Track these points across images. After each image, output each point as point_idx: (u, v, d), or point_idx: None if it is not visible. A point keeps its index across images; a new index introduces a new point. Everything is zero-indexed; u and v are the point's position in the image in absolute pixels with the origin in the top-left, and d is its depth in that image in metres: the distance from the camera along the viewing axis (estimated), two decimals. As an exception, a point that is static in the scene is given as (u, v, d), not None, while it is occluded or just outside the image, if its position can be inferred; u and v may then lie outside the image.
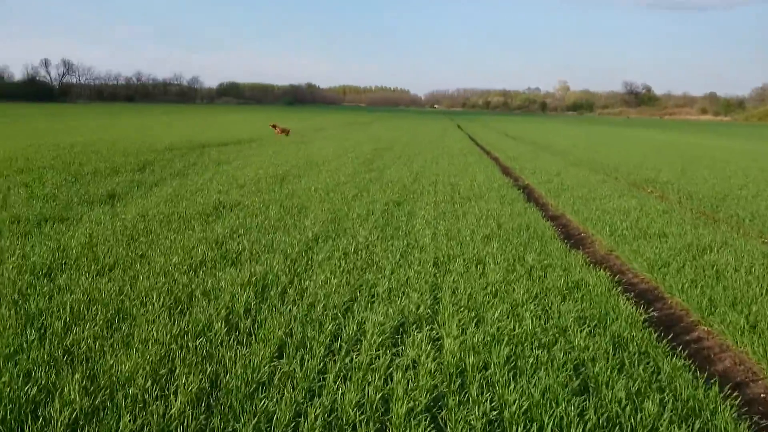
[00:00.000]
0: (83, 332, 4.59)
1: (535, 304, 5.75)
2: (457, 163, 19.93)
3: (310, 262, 6.92)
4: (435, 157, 21.68)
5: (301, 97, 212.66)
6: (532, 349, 4.70)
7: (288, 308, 5.38)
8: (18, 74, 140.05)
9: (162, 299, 5.37)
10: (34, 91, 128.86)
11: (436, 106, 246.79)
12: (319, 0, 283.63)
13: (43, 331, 4.64)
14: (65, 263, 6.40)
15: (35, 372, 3.92)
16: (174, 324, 4.87)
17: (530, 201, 12.85)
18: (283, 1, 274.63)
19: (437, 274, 6.64)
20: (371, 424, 3.64)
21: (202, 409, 3.66)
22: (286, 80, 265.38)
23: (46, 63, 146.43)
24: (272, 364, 4.27)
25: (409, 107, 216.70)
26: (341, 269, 6.62)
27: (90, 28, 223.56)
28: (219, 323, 4.91)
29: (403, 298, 5.74)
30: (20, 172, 12.42)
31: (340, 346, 4.64)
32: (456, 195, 12.65)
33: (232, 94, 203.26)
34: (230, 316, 5.15)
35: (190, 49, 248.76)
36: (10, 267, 6.05)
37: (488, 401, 3.88)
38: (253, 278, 6.08)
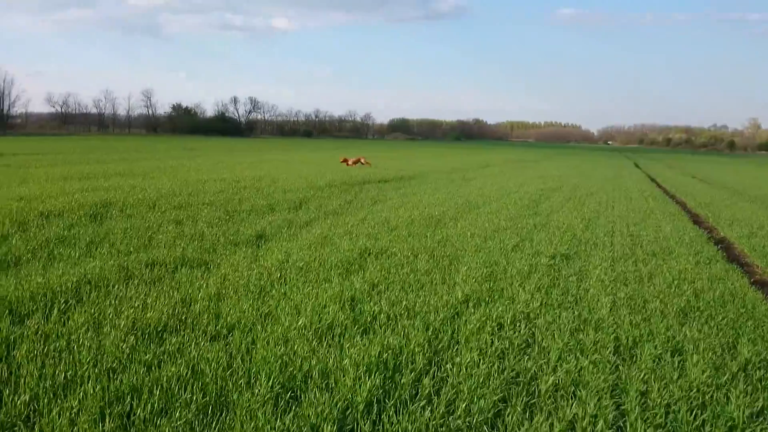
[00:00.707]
0: (166, 427, 3.74)
1: (762, 429, 4.08)
2: (637, 207, 17.74)
3: (455, 335, 5.70)
4: (610, 200, 19.59)
5: (468, 133, 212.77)
6: None
7: (419, 408, 4.19)
8: (210, 110, 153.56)
9: (272, 380, 4.42)
10: (224, 126, 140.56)
11: (609, 142, 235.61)
12: (486, 36, 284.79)
13: (123, 419, 3.85)
14: (183, 320, 5.73)
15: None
16: (277, 420, 3.88)
17: (731, 260, 10.67)
18: (451, 39, 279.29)
19: (619, 366, 5.12)
20: None
21: None
22: (454, 116, 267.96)
23: (234, 100, 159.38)
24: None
25: (580, 143, 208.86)
26: (493, 348, 5.33)
27: (275, 68, 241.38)
28: (329, 427, 3.84)
29: (574, 404, 4.33)
30: (179, 207, 12.48)
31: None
32: (637, 249, 10.82)
33: (402, 130, 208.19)
34: (346, 415, 4.07)
35: (365, 87, 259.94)
36: (122, 324, 5.45)
37: None
38: (384, 356, 4.97)
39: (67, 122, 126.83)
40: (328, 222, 12.29)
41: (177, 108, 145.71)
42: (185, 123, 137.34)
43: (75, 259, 7.77)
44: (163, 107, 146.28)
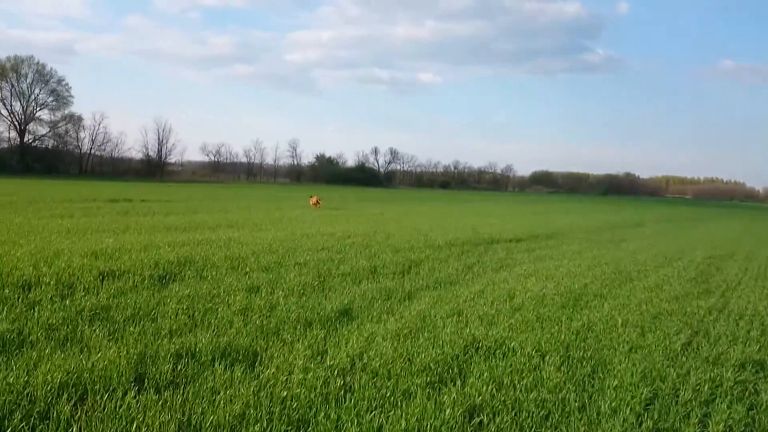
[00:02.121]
0: None
1: None
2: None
3: None
4: (804, 276, 15.65)
5: (617, 187, 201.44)
6: None
7: None
8: (351, 160, 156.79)
9: None
10: (363, 175, 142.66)
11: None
12: (640, 87, 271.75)
13: None
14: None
15: None
16: None
17: None
18: (601, 90, 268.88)
19: None
20: None
21: None
22: (602, 169, 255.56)
23: (375, 151, 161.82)
24: None
25: (744, 201, 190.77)
26: None
27: (417, 120, 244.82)
28: None
29: None
30: (266, 268, 10.71)
31: None
32: None
33: (544, 183, 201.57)
34: None
35: (506, 139, 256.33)
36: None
37: None
38: None
39: (219, 170, 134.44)
40: (435, 294, 9.97)
41: (320, 158, 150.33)
42: (326, 172, 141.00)
43: (92, 343, 6.01)
44: (307, 157, 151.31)
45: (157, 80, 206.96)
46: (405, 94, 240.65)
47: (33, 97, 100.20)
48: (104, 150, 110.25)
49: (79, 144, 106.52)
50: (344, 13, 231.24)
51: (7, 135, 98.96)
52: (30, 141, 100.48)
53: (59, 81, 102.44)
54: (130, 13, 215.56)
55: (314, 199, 35.75)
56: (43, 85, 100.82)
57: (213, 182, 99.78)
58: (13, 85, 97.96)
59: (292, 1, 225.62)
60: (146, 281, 8.59)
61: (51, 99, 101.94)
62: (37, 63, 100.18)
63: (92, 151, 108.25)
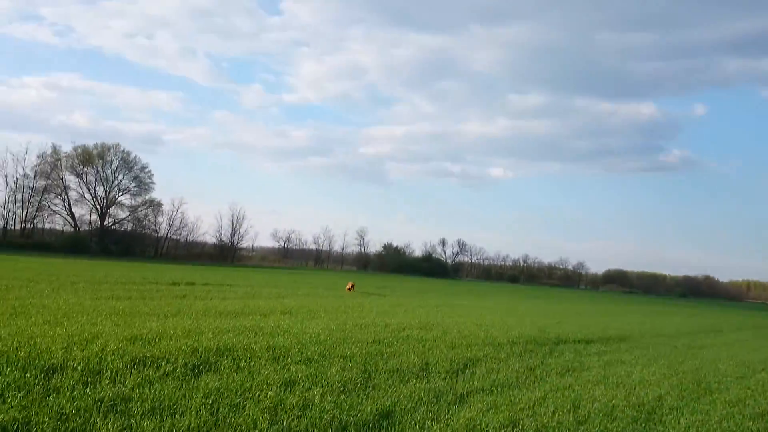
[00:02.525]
0: None
1: None
2: None
3: None
4: None
5: (696, 290, 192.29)
6: None
7: None
8: (418, 251, 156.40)
9: None
10: (429, 266, 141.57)
11: None
12: (719, 189, 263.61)
13: None
14: None
15: None
16: None
17: None
18: (678, 191, 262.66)
19: None
20: None
21: None
22: (679, 270, 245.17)
23: (443, 242, 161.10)
24: None
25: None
26: None
27: (486, 213, 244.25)
28: None
29: None
30: (307, 360, 10.07)
31: None
32: None
33: (618, 282, 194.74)
34: None
35: (578, 236, 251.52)
36: None
37: None
38: None
39: (288, 256, 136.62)
40: (490, 399, 9.06)
41: (387, 247, 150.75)
42: (393, 261, 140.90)
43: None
44: (374, 246, 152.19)
45: (236, 170, 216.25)
46: (475, 188, 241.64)
47: (116, 182, 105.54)
48: (180, 234, 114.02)
49: (157, 228, 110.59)
50: (419, 110, 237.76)
51: (89, 218, 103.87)
52: (110, 224, 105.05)
53: (142, 168, 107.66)
54: (217, 109, 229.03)
55: (350, 285, 37.33)
56: (126, 172, 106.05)
57: (281, 267, 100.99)
58: (98, 171, 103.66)
59: (370, 99, 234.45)
60: (178, 370, 8.11)
61: (133, 185, 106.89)
62: (123, 151, 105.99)
63: (168, 235, 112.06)
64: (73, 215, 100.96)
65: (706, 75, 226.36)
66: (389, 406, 7.87)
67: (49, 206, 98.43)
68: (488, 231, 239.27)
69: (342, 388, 8.51)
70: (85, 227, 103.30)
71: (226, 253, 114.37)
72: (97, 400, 6.33)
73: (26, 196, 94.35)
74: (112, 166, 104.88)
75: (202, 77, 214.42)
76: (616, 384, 11.62)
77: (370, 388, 8.78)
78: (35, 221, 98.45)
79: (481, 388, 9.82)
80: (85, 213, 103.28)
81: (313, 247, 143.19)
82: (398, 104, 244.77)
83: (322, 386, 8.41)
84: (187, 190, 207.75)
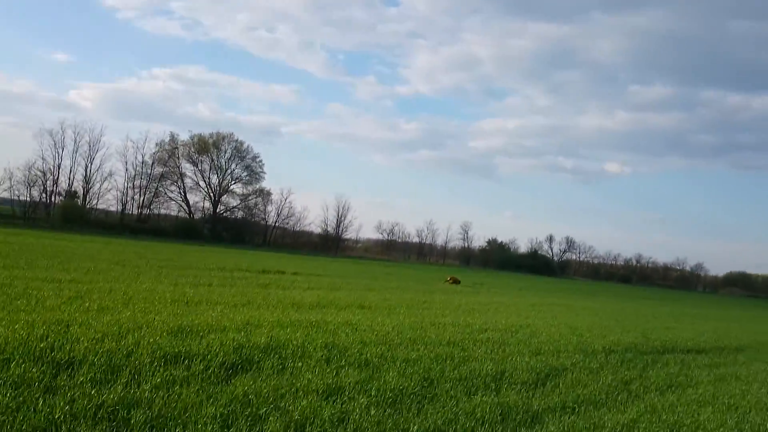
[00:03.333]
0: None
1: None
2: None
3: None
4: None
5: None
6: None
7: None
8: (523, 247, 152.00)
9: None
10: (534, 263, 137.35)
11: None
12: None
13: None
14: None
15: None
16: None
17: None
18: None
19: None
20: None
21: None
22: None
23: (550, 239, 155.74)
24: None
25: None
26: None
27: (599, 210, 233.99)
28: None
29: None
30: (362, 364, 9.02)
31: None
32: None
33: (740, 285, 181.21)
34: None
35: (698, 235, 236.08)
36: None
37: None
38: None
39: (391, 248, 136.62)
40: (568, 421, 7.72)
41: (492, 242, 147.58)
42: (496, 256, 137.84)
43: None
44: (478, 240, 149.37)
45: (347, 162, 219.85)
46: (588, 184, 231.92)
47: (229, 171, 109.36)
48: (287, 223, 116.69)
49: (266, 216, 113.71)
50: (533, 103, 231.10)
51: (202, 205, 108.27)
52: (222, 212, 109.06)
53: (254, 158, 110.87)
54: (332, 102, 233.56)
55: (450, 278, 40.38)
56: (239, 161, 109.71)
57: (382, 260, 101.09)
58: (213, 160, 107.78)
59: (483, 92, 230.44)
60: (211, 370, 7.34)
61: (245, 174, 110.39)
62: (236, 140, 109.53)
63: (276, 224, 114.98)
64: (187, 202, 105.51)
65: None
66: (442, 425, 6.75)
67: (165, 192, 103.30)
68: (600, 229, 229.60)
69: (392, 400, 7.45)
70: (199, 214, 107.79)
71: (330, 244, 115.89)
72: (98, 404, 5.61)
73: (144, 183, 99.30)
74: (226, 155, 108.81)
75: (318, 70, 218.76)
76: (726, 406, 9.88)
77: (427, 401, 7.67)
78: (152, 207, 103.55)
79: (560, 406, 8.47)
80: (198, 200, 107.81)
81: (416, 240, 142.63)
82: (512, 96, 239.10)
83: (370, 396, 7.40)
84: (299, 180, 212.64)
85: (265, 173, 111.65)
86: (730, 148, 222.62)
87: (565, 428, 7.37)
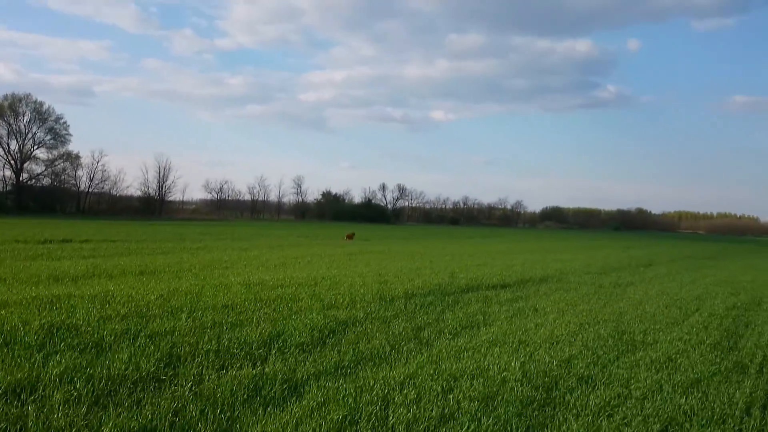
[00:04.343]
0: None
1: None
2: None
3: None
4: None
5: (629, 223, 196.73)
6: None
7: None
8: (357, 197, 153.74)
9: None
10: (370, 212, 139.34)
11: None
12: (652, 124, 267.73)
13: None
14: None
15: None
16: None
17: None
18: (612, 127, 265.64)
19: None
20: None
21: None
22: (614, 205, 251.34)
23: (383, 187, 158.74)
24: None
25: (759, 237, 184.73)
26: None
27: (428, 157, 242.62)
28: None
29: None
30: (86, 346, 7.33)
31: None
32: None
33: (555, 219, 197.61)
34: None
35: (517, 175, 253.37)
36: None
37: None
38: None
39: (222, 207, 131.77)
40: (334, 386, 6.58)
41: (326, 194, 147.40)
42: (331, 209, 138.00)
43: None
44: (313, 194, 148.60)
45: (170, 120, 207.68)
46: (417, 132, 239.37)
47: (30, 135, 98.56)
48: (102, 188, 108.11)
49: (77, 182, 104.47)
50: (358, 54, 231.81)
51: (2, 174, 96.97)
52: (26, 180, 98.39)
53: (57, 119, 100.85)
54: (148, 57, 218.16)
55: (349, 234, 45.58)
56: (40, 124, 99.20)
57: (210, 220, 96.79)
58: (10, 124, 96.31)
59: (307, 42, 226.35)
60: None
61: (49, 137, 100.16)
62: (35, 101, 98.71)
63: (90, 190, 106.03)
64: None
65: (640, 8, 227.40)
66: (152, 420, 5.27)
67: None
68: (430, 175, 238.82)
69: (105, 391, 5.84)
70: (0, 184, 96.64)
71: (152, 207, 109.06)
72: None
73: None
74: (25, 118, 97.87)
75: (130, 24, 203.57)
76: (518, 343, 9.39)
77: (154, 389, 6.14)
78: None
79: (334, 368, 7.35)
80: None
81: (248, 197, 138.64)
82: (337, 47, 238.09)
83: (74, 389, 5.73)
84: (118, 142, 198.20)
85: (71, 135, 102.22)
86: (540, 91, 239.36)
87: (326, 397, 6.22)
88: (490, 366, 7.82)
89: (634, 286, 19.39)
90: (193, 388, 6.21)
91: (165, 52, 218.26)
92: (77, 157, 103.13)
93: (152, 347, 7.33)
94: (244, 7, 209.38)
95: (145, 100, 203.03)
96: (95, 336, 7.61)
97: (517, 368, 7.75)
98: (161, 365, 6.78)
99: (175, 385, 6.26)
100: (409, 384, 6.83)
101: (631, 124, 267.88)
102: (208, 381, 6.46)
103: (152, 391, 6.04)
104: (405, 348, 8.69)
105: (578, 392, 7.01)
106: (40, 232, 32.56)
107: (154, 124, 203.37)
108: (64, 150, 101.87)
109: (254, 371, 6.87)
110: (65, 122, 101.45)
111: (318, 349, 8.27)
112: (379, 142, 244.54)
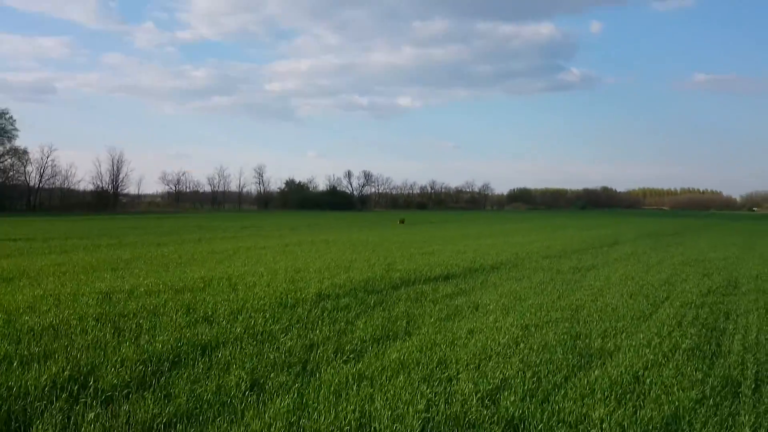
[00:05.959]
0: None
1: None
2: None
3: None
4: None
5: (595, 201, 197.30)
6: None
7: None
8: (322, 185, 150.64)
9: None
10: (335, 200, 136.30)
11: (755, 209, 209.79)
12: (615, 104, 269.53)
13: None
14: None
15: None
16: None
17: None
18: (577, 108, 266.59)
19: None
20: None
21: None
22: (579, 184, 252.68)
23: (348, 174, 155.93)
24: None
25: (722, 211, 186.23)
26: None
27: (395, 144, 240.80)
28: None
29: None
30: None
31: None
32: None
33: (523, 200, 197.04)
34: None
35: (485, 159, 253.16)
36: None
37: None
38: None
39: (181, 200, 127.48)
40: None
41: (290, 183, 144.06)
42: (295, 197, 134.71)
43: None
44: (276, 183, 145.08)
45: (134, 114, 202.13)
46: (385, 119, 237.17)
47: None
48: (53, 184, 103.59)
49: (27, 178, 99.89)
50: (323, 43, 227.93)
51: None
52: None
53: (2, 114, 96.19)
54: (109, 52, 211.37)
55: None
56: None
57: (165, 213, 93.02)
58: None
59: (270, 32, 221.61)
60: None
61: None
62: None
63: (40, 185, 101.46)
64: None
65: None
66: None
67: None
68: (399, 162, 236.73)
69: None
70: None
71: (105, 202, 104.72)
72: None
73: None
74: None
75: (90, 19, 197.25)
76: (435, 365, 6.99)
77: None
78: None
79: (169, 420, 4.84)
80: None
81: (208, 189, 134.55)
82: (301, 36, 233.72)
83: None
84: (76, 138, 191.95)
85: (17, 131, 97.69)
86: (505, 75, 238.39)
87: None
88: (379, 413, 5.39)
89: (595, 270, 17.21)
90: None
91: (127, 47, 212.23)
92: (25, 152, 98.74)
93: None
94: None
95: (107, 96, 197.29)
96: None
97: (419, 415, 5.32)
98: None
99: None
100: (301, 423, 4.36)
101: (596, 105, 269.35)
102: None
103: None
104: (273, 384, 6.20)
105: (530, 409, 4.64)
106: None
107: (115, 119, 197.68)
108: (10, 146, 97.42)
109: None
110: (11, 117, 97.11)
111: (134, 396, 5.74)
112: (346, 131, 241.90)
